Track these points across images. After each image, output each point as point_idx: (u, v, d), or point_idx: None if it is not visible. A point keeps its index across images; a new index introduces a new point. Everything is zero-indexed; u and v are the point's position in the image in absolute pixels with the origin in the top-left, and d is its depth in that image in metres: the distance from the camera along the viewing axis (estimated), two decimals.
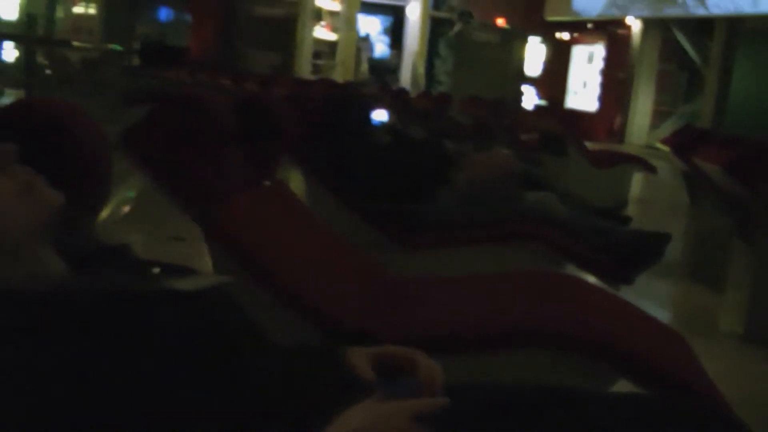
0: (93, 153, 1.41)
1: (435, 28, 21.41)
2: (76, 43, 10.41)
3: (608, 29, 20.52)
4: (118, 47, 12.29)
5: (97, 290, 1.06)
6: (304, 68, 19.24)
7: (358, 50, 20.57)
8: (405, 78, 20.78)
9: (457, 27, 20.90)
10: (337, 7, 20.15)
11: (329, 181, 3.45)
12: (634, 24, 19.24)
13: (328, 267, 2.41)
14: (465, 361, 1.91)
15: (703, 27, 17.60)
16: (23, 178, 1.09)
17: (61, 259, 1.15)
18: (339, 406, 0.99)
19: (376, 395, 1.03)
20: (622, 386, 1.91)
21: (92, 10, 16.91)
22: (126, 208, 5.24)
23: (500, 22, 21.39)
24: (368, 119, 4.12)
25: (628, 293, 2.75)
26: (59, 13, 12.63)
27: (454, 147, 4.50)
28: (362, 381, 1.13)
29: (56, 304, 1.00)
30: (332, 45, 20.39)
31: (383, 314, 2.11)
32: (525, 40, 21.45)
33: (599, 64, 21.29)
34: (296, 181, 3.74)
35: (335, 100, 3.99)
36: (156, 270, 1.23)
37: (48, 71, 10.04)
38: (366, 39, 21.33)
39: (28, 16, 10.68)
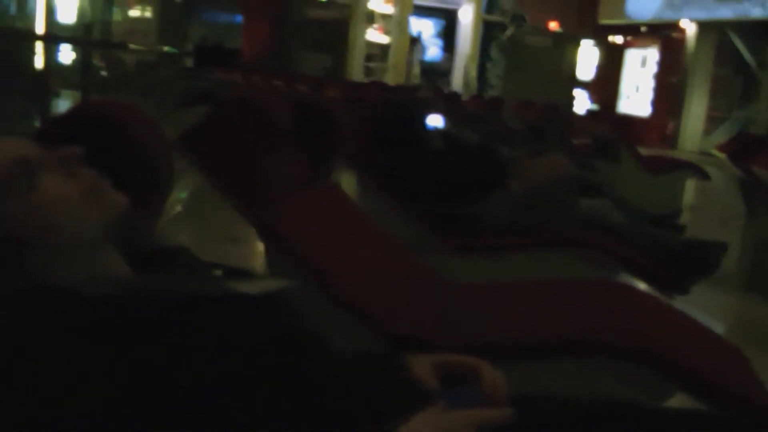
0: (155, 155, 1.41)
1: (487, 31, 21.34)
2: (132, 46, 10.53)
3: (662, 32, 20.25)
4: (172, 49, 12.43)
5: (161, 293, 1.06)
6: (356, 71, 19.28)
7: (410, 53, 20.56)
8: (456, 81, 20.74)
9: (509, 30, 20.81)
10: (389, 10, 20.16)
11: (383, 185, 3.45)
12: (689, 27, 18.96)
13: (383, 271, 2.41)
14: (519, 369, 1.89)
15: (760, 30, 17.29)
16: (90, 181, 1.11)
17: (124, 260, 1.16)
18: (403, 414, 0.99)
19: (440, 404, 1.02)
20: (679, 400, 1.88)
21: (148, 14, 17.13)
22: (178, 208, 5.29)
23: (553, 25, 21.24)
24: (424, 124, 4.12)
25: (681, 303, 2.70)
26: (116, 16, 12.80)
27: (508, 152, 4.47)
28: (426, 389, 1.13)
29: (120, 306, 1.01)
30: (384, 48, 20.41)
31: (439, 320, 2.10)
32: (578, 44, 21.26)
33: (652, 68, 21.02)
34: (347, 184, 3.75)
35: (392, 105, 3.99)
36: (218, 272, 1.23)
37: (103, 73, 10.18)
38: (418, 42, 21.30)
39: (86, 19, 10.86)
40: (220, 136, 2.20)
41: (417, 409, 1.00)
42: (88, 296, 1.02)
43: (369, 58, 20.19)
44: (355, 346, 1.36)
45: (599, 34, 21.88)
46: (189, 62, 17.14)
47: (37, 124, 8.30)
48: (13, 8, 11.81)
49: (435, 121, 5.89)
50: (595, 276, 3.00)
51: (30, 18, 11.64)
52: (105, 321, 0.98)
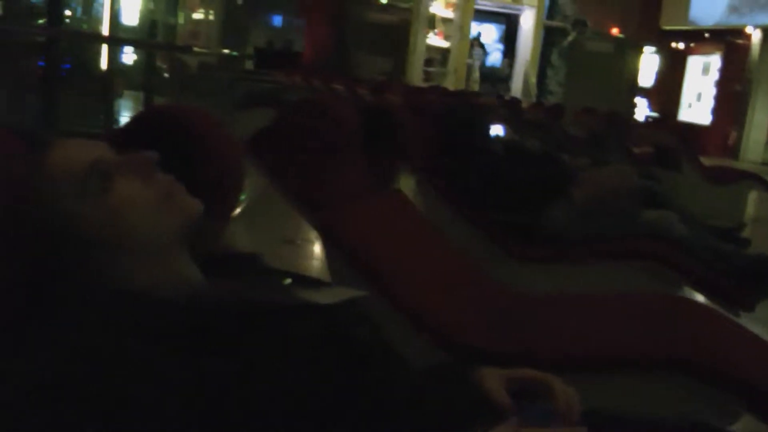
0: (226, 159, 1.42)
1: (548, 37, 21.19)
2: (196, 49, 10.64)
3: (726, 39, 19.89)
4: (233, 52, 12.55)
5: (234, 299, 1.07)
6: (416, 75, 19.25)
7: (471, 57, 20.49)
8: (516, 87, 20.63)
9: (570, 36, 20.64)
10: (450, 14, 20.12)
11: (445, 191, 3.44)
12: (754, 33, 18.59)
13: (446, 280, 2.40)
14: (581, 382, 1.86)
15: None
16: (165, 186, 1.11)
17: (195, 264, 1.16)
18: (473, 429, 0.98)
19: (511, 420, 1.01)
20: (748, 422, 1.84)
21: (211, 16, 17.34)
22: (236, 211, 5.31)
23: (614, 31, 21.01)
24: (487, 131, 4.10)
25: (746, 321, 2.65)
26: (180, 19, 12.95)
27: (569, 160, 4.43)
28: (498, 404, 1.11)
29: (193, 311, 1.01)
30: (444, 52, 20.36)
31: (504, 331, 2.08)
32: (640, 50, 21.01)
33: (715, 75, 20.66)
34: (406, 189, 3.74)
35: (456, 111, 3.97)
36: (288, 281, 1.23)
37: (166, 75, 10.30)
38: (480, 45, 21.21)
39: (150, 21, 10.99)
40: (286, 139, 2.21)
41: (489, 424, 0.99)
42: (161, 300, 1.03)
43: (429, 62, 20.16)
44: (414, 354, 1.34)
45: (661, 40, 21.58)
46: (250, 65, 17.31)
47: (100, 124, 8.42)
48: (79, 11, 12.03)
49: (496, 128, 5.87)
50: (658, 289, 2.96)
51: (95, 20, 11.83)
52: (177, 326, 0.98)
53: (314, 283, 1.23)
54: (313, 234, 5.38)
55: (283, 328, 1.04)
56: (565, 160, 4.33)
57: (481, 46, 21.26)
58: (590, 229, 3.40)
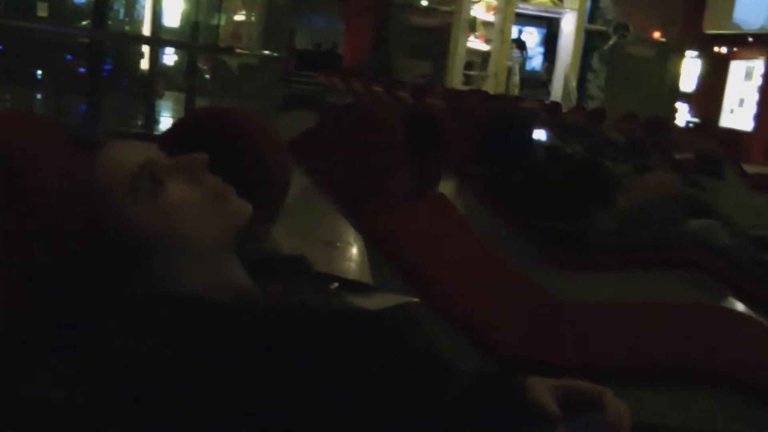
0: (275, 161, 1.41)
1: (589, 41, 21.04)
2: (238, 50, 10.70)
3: None
4: (274, 53, 12.59)
5: (284, 304, 1.06)
6: (456, 78, 19.21)
7: (511, 59, 20.41)
8: (556, 91, 20.51)
9: (611, 40, 20.49)
10: (491, 17, 20.06)
11: (487, 197, 3.42)
12: None
13: (492, 287, 2.39)
14: (624, 393, 1.84)
15: None
16: (214, 188, 1.10)
17: (243, 267, 1.16)
18: None
19: (559, 430, 0.99)
20: None
21: (253, 18, 17.43)
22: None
23: (656, 35, 20.81)
24: (530, 135, 4.08)
25: None
26: (221, 20, 13.03)
27: (614, 166, 4.38)
28: (545, 414, 1.10)
29: (242, 315, 1.01)
30: (484, 56, 20.30)
31: (549, 340, 2.06)
32: (682, 54, 20.79)
33: (758, 80, 20.36)
34: (446, 192, 3.73)
35: (499, 116, 3.96)
36: (335, 285, 1.23)
37: (207, 76, 10.37)
38: (519, 47, 21.12)
39: (191, 23, 11.08)
40: (331, 142, 2.21)
41: None
42: (211, 304, 1.03)
43: (469, 65, 20.10)
44: (459, 361, 1.33)
45: (703, 44, 21.32)
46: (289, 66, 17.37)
47: (140, 124, 8.51)
48: (121, 13, 12.18)
49: (538, 132, 5.83)
50: (701, 299, 2.93)
51: (137, 22, 11.96)
52: (227, 330, 0.98)
53: (361, 287, 1.23)
54: (352, 236, 5.41)
55: (334, 333, 1.03)
56: (608, 166, 4.29)
57: (521, 46, 21.15)
58: (633, 237, 3.36)
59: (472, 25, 20.01)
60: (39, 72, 8.63)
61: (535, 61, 22.32)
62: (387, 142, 2.26)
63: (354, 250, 5.18)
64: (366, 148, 2.19)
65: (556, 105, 10.55)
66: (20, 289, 0.96)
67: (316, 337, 1.01)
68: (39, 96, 8.83)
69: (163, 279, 1.05)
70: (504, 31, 19.80)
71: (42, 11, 8.95)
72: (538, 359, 1.85)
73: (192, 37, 10.24)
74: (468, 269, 2.39)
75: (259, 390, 0.93)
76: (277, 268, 1.24)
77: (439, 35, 19.57)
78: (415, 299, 1.21)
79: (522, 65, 21.28)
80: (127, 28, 12.01)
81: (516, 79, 20.53)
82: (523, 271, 2.66)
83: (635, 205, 3.54)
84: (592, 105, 17.71)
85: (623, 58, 20.35)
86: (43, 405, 0.87)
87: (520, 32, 21.52)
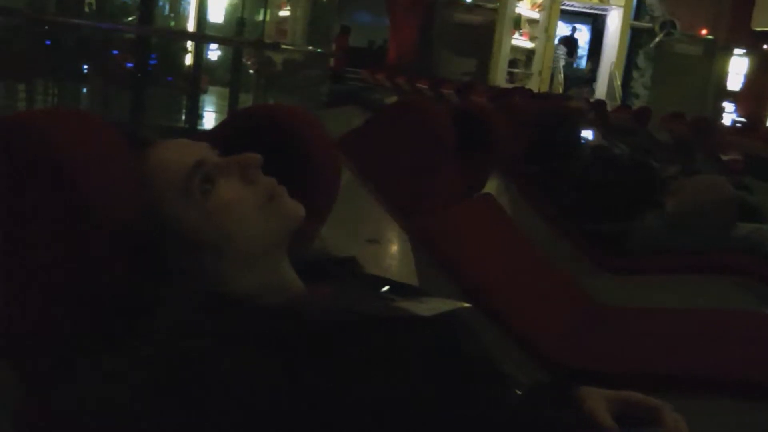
0: (326, 161, 1.39)
1: (634, 38, 20.81)
2: (284, 46, 10.72)
3: None
4: (318, 49, 12.61)
5: (335, 308, 1.04)
6: (500, 76, 19.09)
7: (555, 59, 20.25)
8: (600, 90, 20.31)
9: (658, 37, 20.23)
10: (536, 15, 19.91)
11: (533, 196, 3.39)
12: None
13: (541, 293, 2.35)
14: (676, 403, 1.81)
15: None
16: (268, 190, 1.09)
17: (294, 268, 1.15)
18: None
19: None
20: None
21: (298, 13, 17.50)
22: None
23: (704, 32, 20.52)
24: (578, 136, 4.03)
25: None
26: (267, 16, 13.09)
27: (661, 167, 4.32)
28: (601, 426, 1.08)
29: (293, 318, 0.99)
30: (528, 53, 20.14)
31: (600, 348, 2.03)
32: (730, 52, 20.47)
33: None
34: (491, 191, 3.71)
35: (549, 115, 3.92)
36: (385, 288, 1.21)
37: (251, 71, 10.39)
38: (566, 44, 20.95)
39: (237, 19, 11.16)
40: (380, 140, 2.20)
41: None
42: (262, 306, 1.02)
43: (512, 63, 19.97)
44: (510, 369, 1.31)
45: (752, 42, 20.97)
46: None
47: (183, 119, 8.57)
48: (167, 9, 12.32)
49: (587, 132, 5.78)
50: (751, 306, 2.87)
51: (182, 18, 12.08)
52: (277, 333, 0.96)
53: (411, 291, 1.21)
54: (395, 234, 5.39)
55: (387, 340, 1.02)
56: (655, 167, 4.23)
57: (573, 45, 20.98)
58: (682, 241, 3.31)
59: (517, 23, 19.85)
60: (85, 67, 8.72)
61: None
62: (438, 141, 2.23)
63: (396, 248, 5.17)
64: (417, 146, 2.17)
65: (601, 104, 10.40)
66: (73, 289, 0.97)
67: (368, 343, 0.99)
68: (85, 90, 8.92)
69: (213, 280, 1.04)
70: (548, 29, 19.64)
71: (90, 8, 9.06)
72: (589, 368, 1.81)
73: (237, 33, 10.28)
74: (517, 273, 2.36)
75: (307, 395, 0.91)
76: (326, 269, 1.22)
77: (483, 32, 19.46)
78: (466, 305, 1.19)
79: (569, 63, 21.10)
80: (171, 24, 12.12)
81: (560, 77, 20.37)
82: (569, 275, 2.62)
83: (684, 208, 3.49)
84: (636, 104, 17.49)
85: (669, 56, 20.10)
86: (94, 403, 0.87)
87: (573, 30, 21.34)
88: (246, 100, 8.76)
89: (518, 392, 1.13)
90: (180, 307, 0.98)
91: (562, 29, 21.11)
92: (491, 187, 3.78)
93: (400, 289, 1.21)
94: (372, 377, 0.96)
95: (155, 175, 1.05)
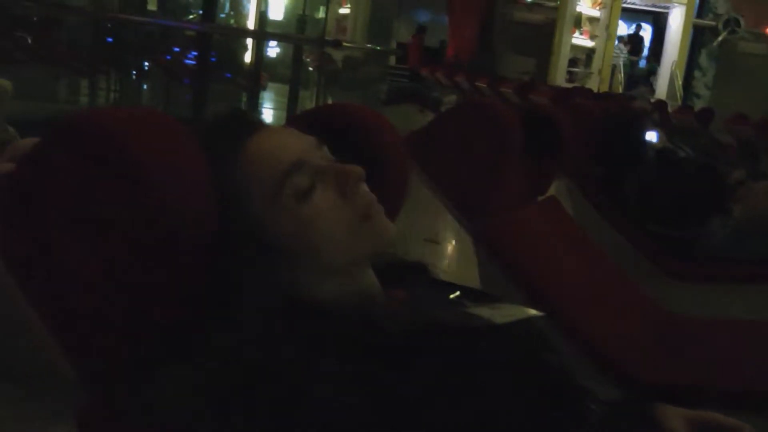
0: (397, 162, 1.36)
1: (696, 36, 20.44)
2: (345, 44, 10.78)
3: None
4: (378, 47, 12.67)
5: (414, 315, 1.02)
6: (559, 75, 18.90)
7: (615, 58, 20.00)
8: (661, 90, 20.02)
9: (721, 36, 19.85)
10: (597, 13, 19.67)
11: (597, 199, 3.34)
12: None
13: (608, 300, 2.31)
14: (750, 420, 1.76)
15: None
16: (364, 206, 1.04)
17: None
18: None
19: None
20: None
21: (359, 11, 17.64)
22: None
23: None
24: (643, 137, 3.97)
25: None
26: (327, 13, 13.21)
27: (725, 171, 4.23)
28: None
29: (373, 325, 0.97)
30: (589, 52, 19.91)
31: (673, 360, 1.98)
32: None
33: None
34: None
35: (617, 117, 3.86)
36: (456, 294, 1.18)
37: (310, 68, 10.45)
38: (629, 43, 20.69)
39: (297, 16, 11.28)
40: (446, 140, 2.17)
41: None
42: (342, 314, 0.98)
43: (572, 62, 19.76)
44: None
45: None
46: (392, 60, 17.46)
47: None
48: (227, 6, 12.46)
49: (651, 134, 5.68)
50: None
51: (242, 15, 12.21)
52: (357, 340, 0.94)
53: (483, 297, 1.18)
54: (452, 234, 5.37)
55: (466, 348, 0.99)
56: (722, 171, 4.14)
57: (639, 43, 20.72)
58: (750, 249, 3.24)
59: (578, 21, 19.63)
60: (146, 63, 8.84)
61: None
62: (505, 143, 2.20)
63: (455, 249, 5.15)
64: (484, 147, 2.14)
65: (662, 104, 10.24)
66: (148, 293, 0.95)
67: (448, 352, 0.97)
68: (145, 86, 9.06)
69: (293, 286, 1.00)
70: (609, 27, 19.41)
71: (152, 5, 9.18)
72: (663, 384, 1.77)
73: (298, 30, 10.34)
74: (585, 281, 2.32)
75: (387, 405, 0.89)
76: (398, 274, 1.19)
77: (543, 31, 19.29)
78: (541, 314, 1.16)
79: (636, 62, 20.83)
80: (232, 21, 12.26)
81: (620, 76, 20.11)
82: (635, 282, 2.57)
83: (753, 214, 3.41)
84: (698, 104, 17.20)
85: (733, 55, 19.70)
86: (170, 411, 0.86)
87: (638, 27, 21.08)
88: (305, 97, 8.80)
89: (597, 408, 1.10)
90: (258, 312, 0.95)
91: (623, 28, 20.86)
92: (553, 189, 3.74)
93: (470, 294, 1.19)
94: (452, 389, 0.93)
95: (249, 168, 1.00)
